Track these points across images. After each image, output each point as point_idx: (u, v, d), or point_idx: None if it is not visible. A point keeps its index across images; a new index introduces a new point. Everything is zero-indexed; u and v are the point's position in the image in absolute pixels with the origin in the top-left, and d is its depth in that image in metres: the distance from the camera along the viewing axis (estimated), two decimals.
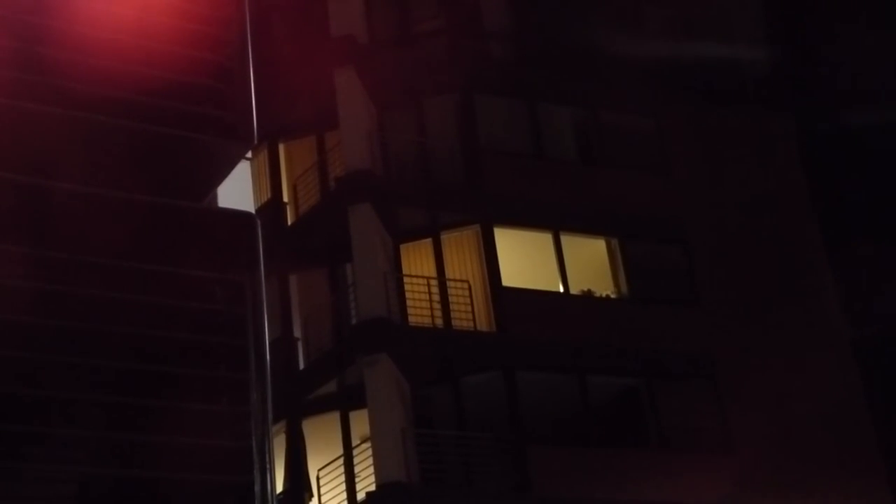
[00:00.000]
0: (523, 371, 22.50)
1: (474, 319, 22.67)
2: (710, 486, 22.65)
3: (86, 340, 2.75)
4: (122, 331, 2.74)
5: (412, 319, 22.38)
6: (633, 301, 24.04)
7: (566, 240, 24.02)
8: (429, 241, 23.33)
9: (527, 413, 22.21)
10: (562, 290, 23.68)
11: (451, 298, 22.77)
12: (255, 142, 3.03)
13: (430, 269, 23.11)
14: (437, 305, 22.66)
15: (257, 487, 2.73)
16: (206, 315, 2.80)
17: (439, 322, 22.59)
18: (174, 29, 3.11)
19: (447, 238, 23.41)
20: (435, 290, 22.81)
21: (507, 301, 22.77)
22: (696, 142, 26.67)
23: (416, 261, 23.27)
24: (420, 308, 22.51)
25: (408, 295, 22.58)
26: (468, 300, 22.76)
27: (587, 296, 23.90)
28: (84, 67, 2.87)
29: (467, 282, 22.94)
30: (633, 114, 26.10)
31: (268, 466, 2.73)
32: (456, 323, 22.63)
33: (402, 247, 23.29)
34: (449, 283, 22.89)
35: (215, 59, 3.01)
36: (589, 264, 24.34)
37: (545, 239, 23.94)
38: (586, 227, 24.42)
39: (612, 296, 24.25)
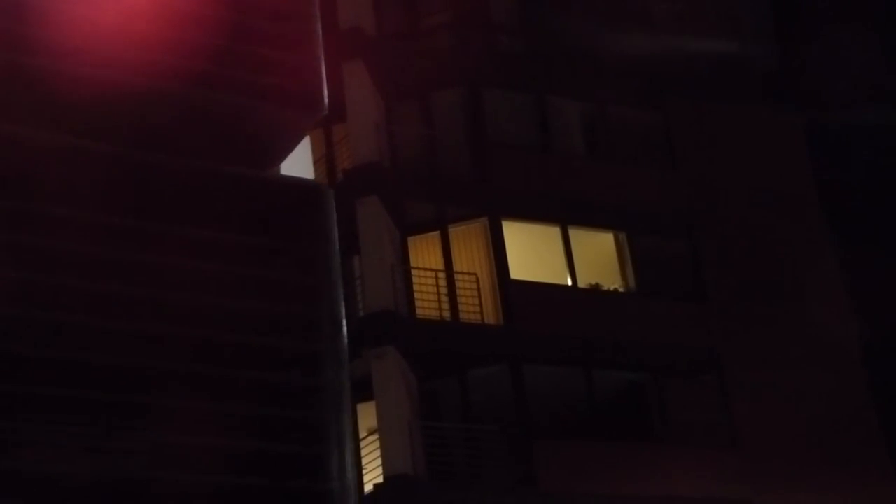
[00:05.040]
0: (530, 364, 22.48)
1: (482, 312, 22.65)
2: (716, 481, 22.64)
3: (160, 308, 2.71)
4: (191, 300, 2.69)
5: (420, 312, 22.35)
6: (640, 295, 24.03)
7: (574, 233, 24.01)
8: (436, 233, 23.31)
9: (533, 406, 22.19)
10: (570, 283, 23.68)
11: (458, 291, 22.75)
12: (326, 111, 2.99)
13: (437, 262, 23.08)
14: (444, 298, 22.64)
15: (333, 460, 2.69)
16: (277, 285, 2.76)
17: (447, 315, 22.56)
18: (246, 2, 3.08)
19: (455, 231, 23.39)
20: (442, 282, 22.79)
21: (515, 294, 22.75)
22: (704, 137, 26.65)
23: (424, 253, 23.24)
24: (427, 301, 22.49)
25: (415, 288, 22.55)
26: (476, 293, 22.74)
27: (595, 289, 23.88)
28: (165, 40, 2.84)
29: (475, 275, 22.92)
30: (640, 108, 26.08)
31: (344, 439, 2.69)
32: (463, 316, 22.60)
33: (410, 239, 23.26)
34: (456, 276, 22.87)
35: (285, 31, 2.98)
36: (597, 258, 24.33)
37: (553, 232, 23.92)
38: (594, 221, 24.40)
39: (620, 290, 24.23)
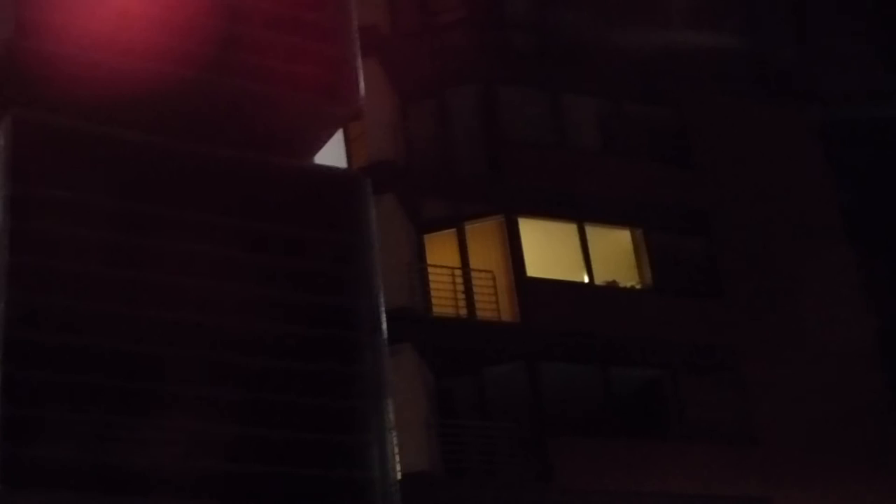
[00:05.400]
0: (546, 362, 22.45)
1: (498, 310, 22.63)
2: (733, 478, 22.58)
3: (196, 298, 2.71)
4: (228, 290, 2.69)
5: (436, 310, 22.35)
6: (657, 292, 23.99)
7: (591, 230, 23.98)
8: (452, 231, 23.29)
9: (549, 404, 22.16)
10: (586, 280, 23.65)
11: (474, 289, 22.73)
12: (362, 102, 3.00)
13: (453, 260, 23.07)
14: (460, 296, 22.62)
15: (373, 448, 2.69)
16: (314, 275, 2.76)
17: (463, 312, 22.55)
18: None
19: (471, 228, 23.38)
20: (459, 280, 22.77)
21: (531, 291, 22.73)
22: (720, 133, 26.60)
23: (440, 251, 23.23)
24: (444, 298, 22.48)
25: (431, 285, 22.55)
26: (492, 290, 22.72)
27: (612, 286, 23.86)
28: (199, 29, 2.85)
29: (491, 272, 22.90)
30: (656, 104, 26.04)
31: (384, 428, 2.68)
32: (480, 313, 22.59)
33: (426, 237, 23.25)
34: (473, 274, 22.85)
35: (320, 20, 2.99)
36: (614, 255, 24.29)
37: (570, 229, 23.90)
38: (611, 218, 24.37)
39: (637, 287, 24.20)
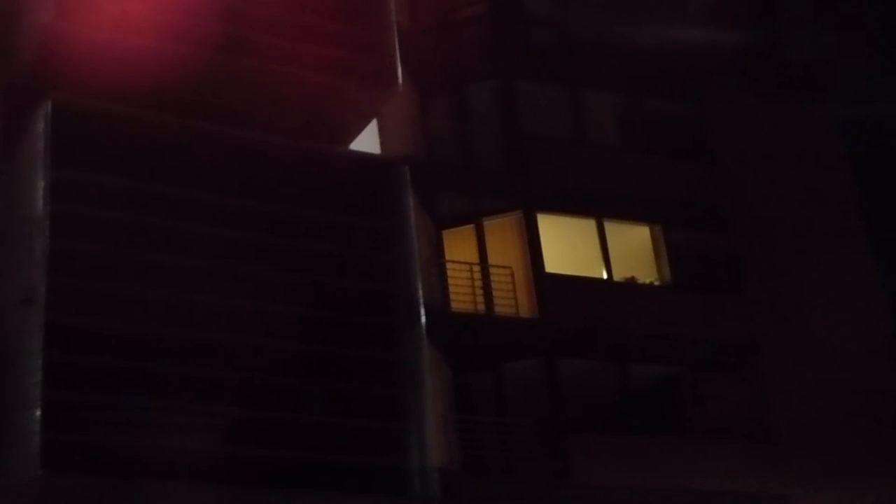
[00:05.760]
0: (564, 358, 22.44)
1: (516, 306, 22.63)
2: (752, 476, 22.53)
3: (234, 283, 2.69)
4: (268, 276, 2.66)
5: (454, 305, 22.34)
6: (676, 288, 23.95)
7: (610, 226, 23.97)
8: (471, 227, 23.32)
9: (567, 400, 22.15)
10: (605, 276, 23.62)
11: (493, 284, 22.73)
12: (399, 88, 2.96)
13: (472, 255, 23.07)
14: (479, 291, 22.63)
15: (412, 435, 2.65)
16: (353, 261, 2.73)
17: (481, 308, 22.55)
18: None
19: (489, 224, 23.40)
20: (477, 276, 22.78)
21: (550, 287, 22.72)
22: (740, 129, 26.53)
23: (459, 247, 23.23)
24: (462, 294, 22.47)
25: (450, 281, 22.54)
26: (511, 286, 22.71)
27: (630, 283, 23.83)
28: (240, 16, 2.82)
29: (510, 268, 22.89)
30: (675, 100, 25.99)
31: (422, 414, 2.65)
32: (498, 309, 22.58)
33: (445, 233, 23.25)
34: (491, 270, 22.86)
35: (358, 7, 2.94)
36: (633, 251, 24.27)
37: (588, 225, 23.87)
38: (630, 214, 24.35)
39: (656, 283, 24.16)
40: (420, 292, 3.35)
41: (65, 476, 2.25)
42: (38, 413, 2.19)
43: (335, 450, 2.66)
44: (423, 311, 3.31)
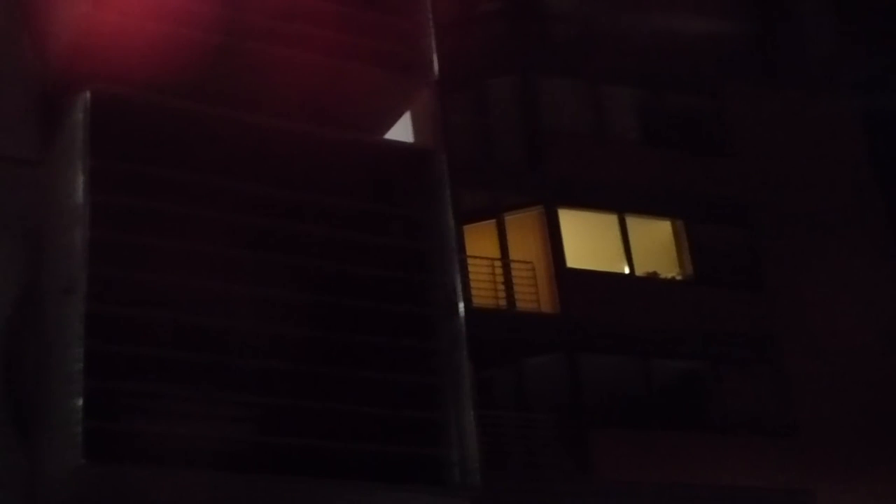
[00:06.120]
0: (586, 353, 22.40)
1: (538, 301, 22.60)
2: (774, 470, 22.46)
3: (271, 273, 2.68)
4: (304, 265, 2.66)
5: (475, 301, 22.32)
6: (697, 283, 23.88)
7: (631, 221, 23.92)
8: (492, 222, 23.29)
9: (589, 395, 22.12)
10: (626, 271, 23.58)
11: (514, 280, 22.72)
12: (436, 77, 2.95)
13: (493, 251, 23.05)
14: (500, 287, 22.61)
15: (451, 425, 2.64)
16: (389, 250, 2.72)
17: (502, 304, 22.54)
18: None
19: (511, 219, 23.37)
20: (498, 271, 22.77)
21: (571, 283, 22.69)
22: (761, 123, 26.42)
23: (480, 242, 23.20)
24: (483, 290, 22.46)
25: (471, 276, 22.53)
26: (532, 282, 22.69)
27: (652, 278, 23.78)
28: (270, 2, 2.81)
29: (531, 263, 22.87)
30: (695, 94, 25.91)
31: (462, 404, 2.64)
32: (519, 304, 22.58)
33: (466, 228, 23.21)
34: (512, 265, 22.84)
35: None
36: (654, 246, 24.20)
37: (610, 220, 23.84)
38: (651, 209, 24.28)
39: (678, 278, 24.10)
40: (458, 283, 3.36)
41: (107, 465, 2.26)
42: (80, 402, 2.21)
43: (373, 440, 2.68)
44: (461, 301, 3.33)
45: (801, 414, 23.56)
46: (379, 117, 3.27)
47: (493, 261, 22.79)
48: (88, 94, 2.67)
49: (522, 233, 23.34)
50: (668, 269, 24.15)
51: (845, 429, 23.57)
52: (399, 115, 3.27)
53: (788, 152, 26.42)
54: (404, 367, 2.92)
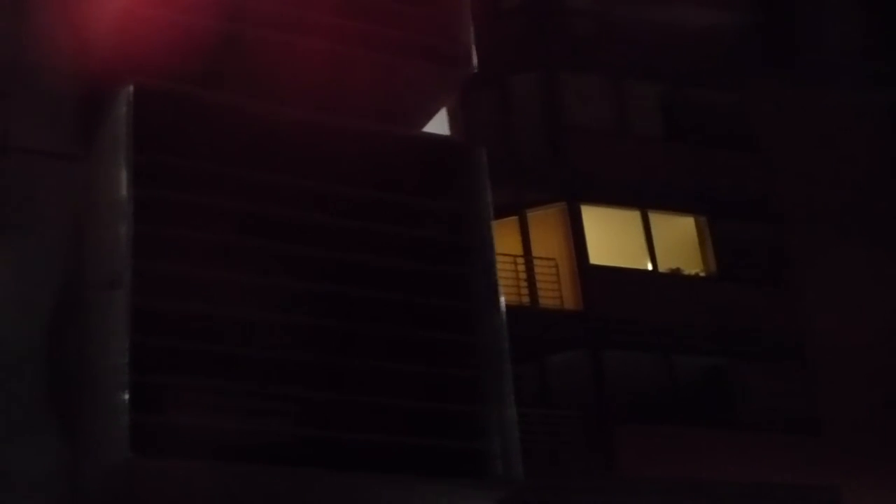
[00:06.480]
0: (609, 349, 22.38)
1: (561, 297, 22.58)
2: (799, 467, 22.38)
3: (309, 267, 2.67)
4: (342, 259, 2.65)
5: None
6: (721, 279, 23.81)
7: (654, 217, 23.86)
8: (514, 218, 23.27)
9: (613, 392, 22.10)
10: (650, 268, 23.53)
11: (537, 276, 22.70)
12: (475, 69, 2.94)
13: (516, 247, 23.03)
14: (523, 283, 22.60)
15: (492, 418, 2.63)
16: (428, 243, 2.71)
17: (525, 300, 22.53)
18: None
19: (533, 216, 23.35)
20: (521, 268, 22.76)
21: (594, 279, 22.65)
22: (785, 118, 26.31)
23: (502, 238, 23.16)
24: (506, 286, 22.40)
25: None
26: (555, 278, 22.67)
27: (675, 274, 23.72)
28: None
29: (554, 260, 22.85)
30: (719, 89, 25.81)
31: (504, 397, 2.63)
32: (542, 301, 22.56)
33: None
34: (535, 261, 22.82)
35: None
36: (677, 242, 24.14)
37: (633, 216, 23.79)
38: (674, 205, 24.21)
39: (701, 274, 24.04)
40: (497, 276, 3.37)
41: (153, 459, 2.26)
42: (126, 395, 2.21)
43: (414, 433, 2.68)
44: (501, 295, 3.32)
45: (825, 410, 23.47)
46: (418, 110, 3.26)
47: (515, 257, 22.78)
48: (132, 88, 2.67)
49: (545, 229, 23.31)
50: (692, 265, 24.08)
51: (870, 425, 23.47)
52: (438, 108, 3.26)
53: (812, 147, 26.30)
54: (446, 361, 2.91)
